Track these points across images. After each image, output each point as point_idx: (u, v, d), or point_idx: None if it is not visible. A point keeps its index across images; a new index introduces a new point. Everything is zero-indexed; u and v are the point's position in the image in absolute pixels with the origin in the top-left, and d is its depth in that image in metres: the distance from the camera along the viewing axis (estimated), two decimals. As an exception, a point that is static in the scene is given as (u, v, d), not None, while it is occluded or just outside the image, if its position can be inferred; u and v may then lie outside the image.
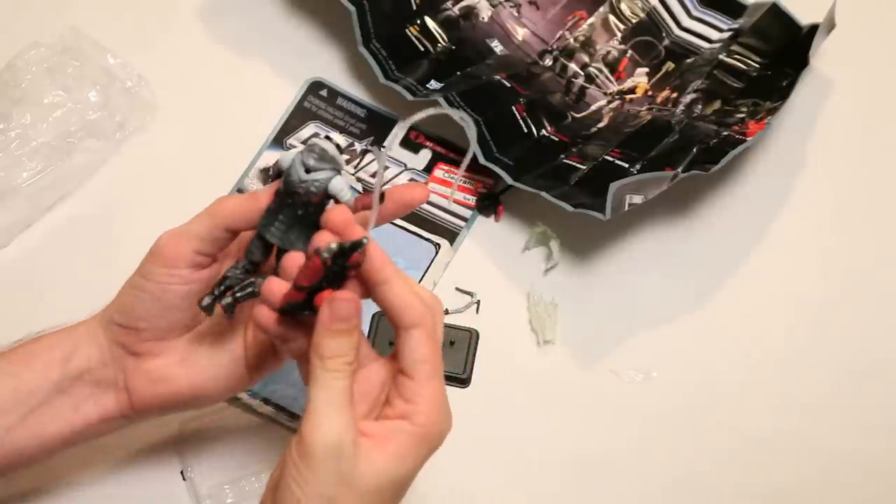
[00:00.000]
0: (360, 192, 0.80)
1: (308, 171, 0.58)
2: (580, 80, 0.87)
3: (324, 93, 0.85)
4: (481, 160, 0.79)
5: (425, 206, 0.81)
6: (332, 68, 0.87)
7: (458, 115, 0.57)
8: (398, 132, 0.55)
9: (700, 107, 0.85)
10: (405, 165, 0.83)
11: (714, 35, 0.89)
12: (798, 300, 0.80)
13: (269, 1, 0.89)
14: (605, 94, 0.87)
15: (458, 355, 0.77)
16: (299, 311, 0.56)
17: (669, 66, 0.88)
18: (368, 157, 0.83)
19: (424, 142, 0.84)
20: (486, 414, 0.75)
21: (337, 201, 0.59)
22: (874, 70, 0.89)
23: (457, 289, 0.80)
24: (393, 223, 0.79)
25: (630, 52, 0.88)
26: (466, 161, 0.58)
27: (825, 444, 0.76)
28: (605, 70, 0.88)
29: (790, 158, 0.85)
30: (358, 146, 0.83)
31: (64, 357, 0.63)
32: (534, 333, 0.79)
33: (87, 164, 0.81)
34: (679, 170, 0.77)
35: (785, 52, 0.85)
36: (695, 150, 0.80)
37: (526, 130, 0.83)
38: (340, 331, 0.55)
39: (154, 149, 0.83)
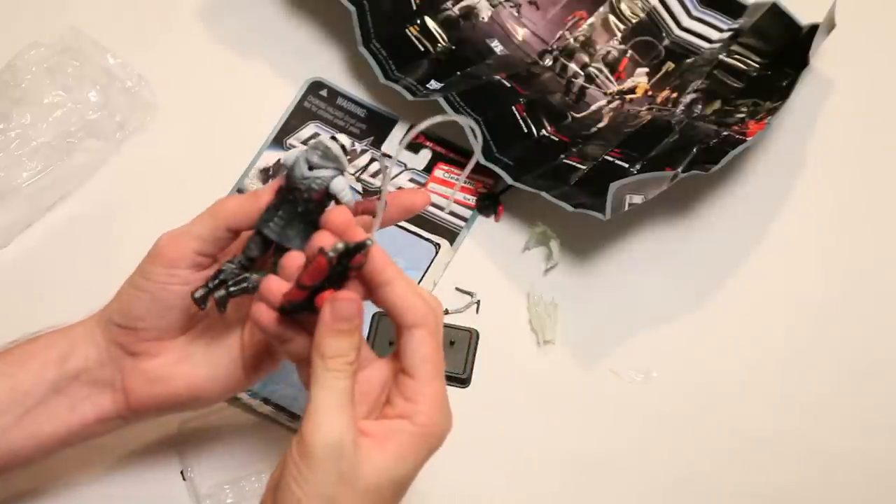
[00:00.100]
0: (360, 194, 0.81)
1: (311, 168, 0.59)
2: (580, 80, 0.87)
3: (324, 93, 0.85)
4: (481, 160, 0.79)
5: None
6: (332, 68, 0.87)
7: (466, 122, 0.57)
8: (405, 139, 0.55)
9: (700, 107, 0.85)
10: (405, 165, 0.83)
11: (714, 35, 0.89)
12: (798, 300, 0.80)
13: (269, 1, 0.89)
14: (605, 94, 0.87)
15: (458, 355, 0.77)
16: (299, 311, 0.56)
17: (669, 66, 0.88)
18: (366, 157, 0.83)
19: (424, 142, 0.84)
20: (486, 414, 0.75)
21: (337, 202, 0.59)
22: (874, 70, 0.89)
23: (457, 289, 0.80)
24: (395, 223, 0.79)
25: (630, 52, 0.88)
26: (469, 168, 0.58)
27: (825, 444, 0.76)
28: (605, 70, 0.88)
29: (790, 158, 0.85)
30: (358, 146, 0.83)
31: (61, 357, 0.63)
32: (534, 333, 0.79)
33: (87, 164, 0.82)
34: (679, 170, 0.77)
35: (785, 52, 0.85)
36: (695, 150, 0.80)
37: (526, 130, 0.83)
38: (342, 331, 0.55)
39: (154, 149, 0.83)
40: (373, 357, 0.59)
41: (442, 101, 0.81)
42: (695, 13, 0.90)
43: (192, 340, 0.64)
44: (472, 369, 0.77)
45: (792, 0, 0.87)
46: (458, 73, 0.85)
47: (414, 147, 0.83)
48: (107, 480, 0.73)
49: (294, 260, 0.57)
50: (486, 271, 0.81)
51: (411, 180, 0.83)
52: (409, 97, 0.82)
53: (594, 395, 0.77)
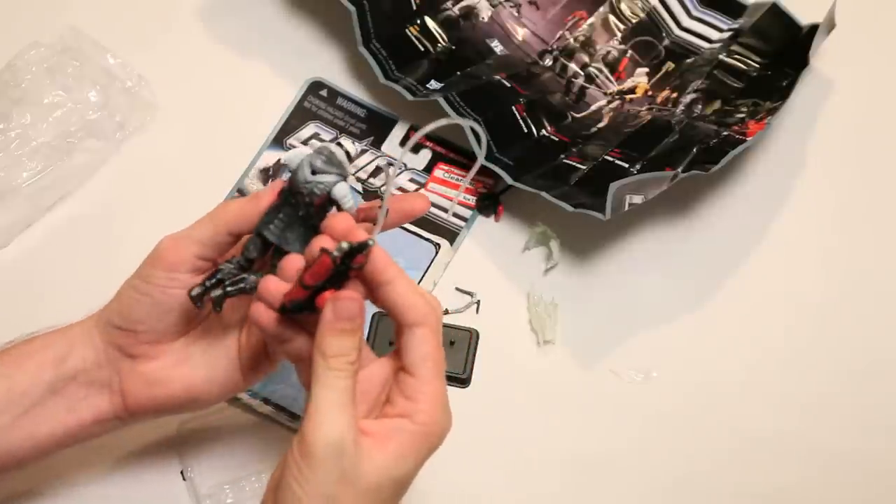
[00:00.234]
0: (360, 194, 0.81)
1: (314, 172, 0.58)
2: (580, 80, 0.87)
3: (324, 93, 0.85)
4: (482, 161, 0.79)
5: (425, 206, 0.81)
6: (332, 68, 0.87)
7: (471, 126, 0.57)
8: (410, 143, 0.55)
9: (700, 107, 0.85)
10: (405, 165, 0.83)
11: (714, 35, 0.89)
12: (798, 300, 0.80)
13: (269, 1, 0.89)
14: (605, 94, 0.87)
15: (458, 355, 0.77)
16: (300, 311, 0.56)
17: (669, 66, 0.88)
18: (366, 157, 0.83)
19: (424, 142, 0.84)
20: (486, 414, 0.75)
21: (339, 208, 0.59)
22: (874, 70, 0.89)
23: (457, 289, 0.80)
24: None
25: (630, 52, 0.88)
26: (472, 172, 0.58)
27: (825, 444, 0.76)
28: (605, 70, 0.88)
29: (790, 158, 0.85)
30: (358, 146, 0.83)
31: (58, 358, 0.63)
32: (534, 333, 0.79)
33: (87, 164, 0.81)
34: (679, 170, 0.77)
35: (785, 52, 0.85)
36: (695, 150, 0.80)
37: (526, 130, 0.83)
38: (344, 330, 0.55)
39: (154, 149, 0.83)
40: (372, 356, 0.59)
41: (442, 101, 0.81)
42: (695, 13, 0.90)
43: (191, 343, 0.64)
44: (472, 369, 0.77)
45: (792, 0, 0.87)
46: (458, 73, 0.85)
47: (414, 147, 0.83)
48: (106, 481, 0.72)
49: (293, 262, 0.57)
50: (486, 271, 0.81)
51: (411, 180, 0.83)
52: (409, 97, 0.82)
53: (594, 395, 0.77)
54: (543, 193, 0.78)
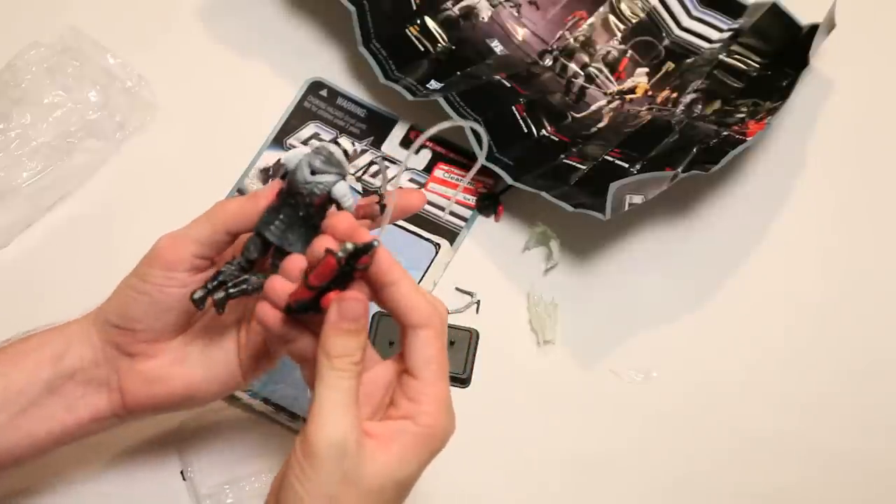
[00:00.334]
0: (359, 193, 0.81)
1: (313, 172, 0.59)
2: (580, 80, 0.87)
3: (324, 93, 0.85)
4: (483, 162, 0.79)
5: (426, 205, 0.81)
6: (332, 68, 0.87)
7: (474, 128, 0.57)
8: (414, 146, 0.55)
9: (700, 107, 0.85)
10: (406, 167, 0.83)
11: (714, 35, 0.89)
12: (798, 300, 0.80)
13: (269, 1, 0.89)
14: (605, 94, 0.87)
15: (458, 355, 0.76)
16: (305, 312, 0.56)
17: (669, 66, 0.88)
18: (366, 157, 0.83)
19: (424, 142, 0.84)
20: (486, 414, 0.75)
21: (338, 206, 0.59)
22: (874, 70, 0.89)
23: (457, 289, 0.80)
24: (393, 223, 0.80)
25: (630, 52, 0.88)
26: (472, 172, 0.58)
27: (825, 444, 0.76)
28: (605, 70, 0.88)
29: (790, 158, 0.85)
30: (358, 146, 0.83)
31: (55, 356, 0.63)
32: (534, 333, 0.79)
33: (87, 164, 0.81)
34: (679, 170, 0.77)
35: (785, 52, 0.85)
36: (695, 150, 0.80)
37: (526, 130, 0.83)
38: (349, 330, 0.55)
39: (154, 149, 0.83)
40: (377, 359, 0.59)
41: (442, 101, 0.81)
42: (695, 13, 0.90)
43: (189, 341, 0.64)
44: (472, 369, 0.77)
45: (792, 0, 0.87)
46: (458, 73, 0.85)
47: (414, 147, 0.83)
48: (106, 480, 0.72)
49: (296, 263, 0.57)
50: (486, 271, 0.81)
51: (411, 180, 0.83)
52: (409, 97, 0.82)
53: (594, 395, 0.77)
54: (543, 193, 0.78)
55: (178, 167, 0.83)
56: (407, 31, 0.86)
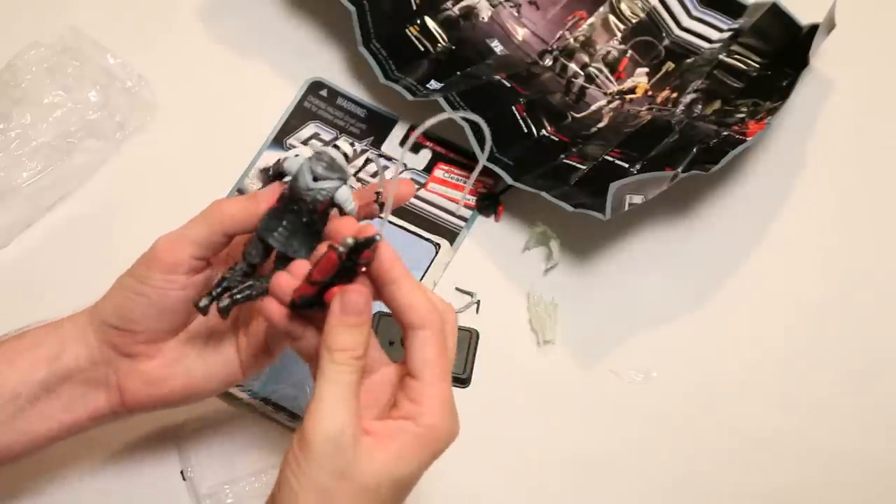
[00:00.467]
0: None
1: (316, 179, 0.58)
2: (580, 80, 0.87)
3: (324, 93, 0.85)
4: (483, 162, 0.79)
5: (425, 206, 0.81)
6: (332, 68, 0.87)
7: (479, 122, 0.57)
8: (412, 139, 0.55)
9: (700, 107, 0.85)
10: (405, 165, 0.83)
11: (714, 35, 0.89)
12: (798, 300, 0.80)
13: (269, 1, 0.89)
14: (605, 94, 0.87)
15: (458, 355, 0.76)
16: (310, 307, 0.56)
17: (669, 66, 0.88)
18: (366, 157, 0.83)
19: (424, 142, 0.84)
20: (486, 414, 0.75)
21: (341, 211, 0.59)
22: (874, 70, 0.89)
23: (457, 289, 0.80)
24: (393, 223, 0.80)
25: (630, 52, 0.88)
26: (477, 171, 0.58)
27: (825, 444, 0.76)
28: (605, 70, 0.88)
29: (790, 158, 0.85)
30: (358, 146, 0.83)
31: (51, 356, 0.63)
32: (534, 333, 0.79)
33: (87, 164, 0.82)
34: (679, 170, 0.77)
35: (785, 52, 0.85)
36: (695, 150, 0.80)
37: (526, 130, 0.83)
38: (351, 324, 0.55)
39: (154, 149, 0.83)
40: (385, 361, 0.59)
41: (442, 101, 0.81)
42: (695, 13, 0.90)
43: (188, 339, 0.64)
44: (472, 369, 0.77)
45: (792, 0, 0.87)
46: (458, 73, 0.85)
47: (414, 147, 0.83)
48: (106, 480, 0.72)
49: (301, 269, 0.57)
50: (486, 271, 0.81)
51: (411, 180, 0.82)
52: (409, 97, 0.82)
53: (594, 395, 0.77)
54: (543, 193, 0.78)
55: (178, 167, 0.83)
56: (407, 31, 0.86)
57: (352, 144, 0.83)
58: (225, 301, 0.60)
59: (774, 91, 0.83)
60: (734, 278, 0.81)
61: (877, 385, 0.78)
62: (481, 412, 0.74)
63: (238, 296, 0.60)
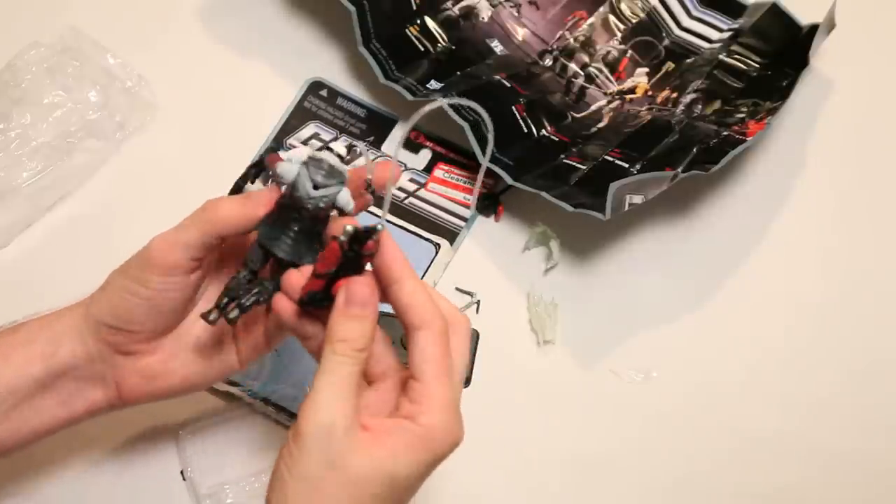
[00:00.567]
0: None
1: (316, 186, 0.58)
2: (580, 80, 0.87)
3: (324, 93, 0.85)
4: (483, 162, 0.79)
5: (425, 206, 0.81)
6: (332, 68, 0.87)
7: (477, 109, 0.57)
8: (403, 134, 0.55)
9: (700, 107, 0.85)
10: (405, 165, 0.83)
11: (714, 35, 0.89)
12: (798, 300, 0.80)
13: (269, 1, 0.89)
14: (605, 94, 0.87)
15: (459, 355, 0.76)
16: (318, 303, 0.56)
17: (669, 66, 0.88)
18: (365, 158, 0.83)
19: (424, 142, 0.84)
20: (486, 414, 0.74)
21: (341, 213, 0.59)
22: (874, 70, 0.89)
23: (457, 289, 0.80)
24: (393, 223, 0.80)
25: (630, 52, 0.88)
26: (481, 175, 0.58)
27: (825, 444, 0.76)
28: (605, 70, 0.88)
29: (790, 158, 0.85)
30: (358, 146, 0.83)
31: (46, 353, 0.62)
32: (534, 333, 0.79)
33: (87, 164, 0.81)
34: (679, 170, 0.77)
35: (785, 52, 0.85)
36: (695, 150, 0.80)
37: (526, 130, 0.83)
38: (354, 315, 0.54)
39: (154, 149, 0.83)
40: (398, 366, 0.58)
41: (442, 100, 0.81)
42: (695, 13, 0.90)
43: (184, 334, 0.64)
44: (472, 369, 0.77)
45: (792, 0, 0.87)
46: (458, 73, 0.85)
47: (414, 147, 0.83)
48: (106, 480, 0.72)
49: (311, 269, 0.57)
50: (486, 271, 0.81)
51: (411, 180, 0.83)
52: (409, 97, 0.82)
53: (594, 395, 0.77)
54: (543, 193, 0.78)
55: (178, 167, 0.83)
56: (407, 31, 0.86)
57: (352, 145, 0.83)
58: (234, 312, 0.60)
59: (774, 91, 0.83)
60: (734, 278, 0.81)
61: (877, 385, 0.78)
62: (481, 412, 0.74)
63: (247, 303, 0.60)
